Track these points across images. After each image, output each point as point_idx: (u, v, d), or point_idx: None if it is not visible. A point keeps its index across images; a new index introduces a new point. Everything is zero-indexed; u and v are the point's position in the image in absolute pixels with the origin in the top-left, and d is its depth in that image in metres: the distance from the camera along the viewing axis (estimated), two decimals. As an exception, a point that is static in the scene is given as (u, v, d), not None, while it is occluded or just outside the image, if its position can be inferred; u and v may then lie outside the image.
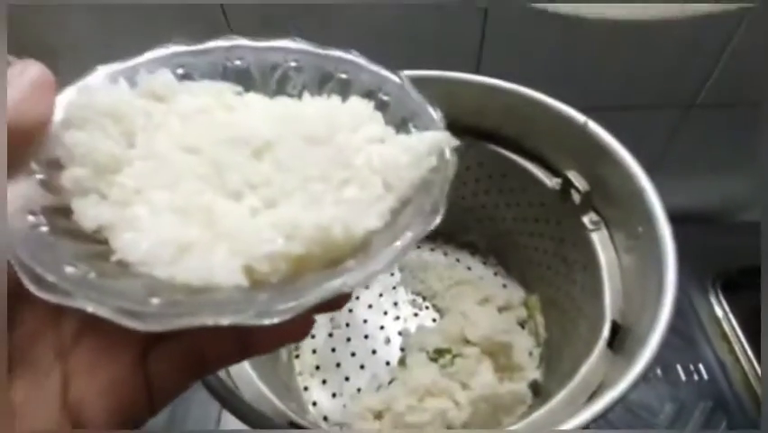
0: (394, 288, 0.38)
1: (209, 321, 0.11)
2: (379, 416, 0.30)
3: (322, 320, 0.37)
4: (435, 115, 0.16)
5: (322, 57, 0.17)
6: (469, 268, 0.39)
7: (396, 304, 0.37)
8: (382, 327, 0.36)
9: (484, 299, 0.35)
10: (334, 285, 0.12)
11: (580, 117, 0.28)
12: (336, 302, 0.13)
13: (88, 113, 0.13)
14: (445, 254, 0.40)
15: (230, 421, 0.49)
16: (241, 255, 0.12)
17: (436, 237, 0.41)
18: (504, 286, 0.38)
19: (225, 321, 0.11)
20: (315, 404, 0.33)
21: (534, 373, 0.32)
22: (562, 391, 0.23)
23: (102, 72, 0.15)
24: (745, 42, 0.39)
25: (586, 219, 0.29)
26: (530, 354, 0.33)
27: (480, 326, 0.32)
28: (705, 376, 0.45)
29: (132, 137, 0.14)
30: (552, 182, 0.31)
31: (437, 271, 0.38)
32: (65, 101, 0.13)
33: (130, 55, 0.16)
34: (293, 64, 0.17)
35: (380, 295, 0.38)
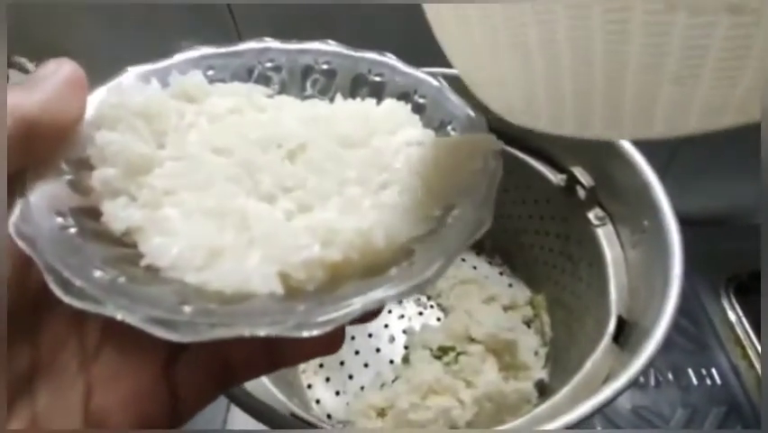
0: (399, 287, 0.38)
1: (245, 332, 0.10)
2: (382, 414, 0.30)
3: (326, 318, 0.37)
4: (476, 117, 0.15)
5: (355, 59, 0.16)
6: (474, 267, 0.39)
7: (400, 302, 0.37)
8: (386, 326, 0.36)
9: (489, 298, 0.35)
10: (379, 296, 0.11)
11: (584, 112, 0.28)
12: (372, 313, 0.12)
13: (121, 112, 0.13)
14: (450, 254, 0.40)
15: (237, 419, 0.49)
16: (276, 261, 0.12)
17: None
18: (510, 285, 0.37)
19: (262, 333, 0.10)
20: (318, 402, 0.33)
21: (540, 373, 0.32)
22: (566, 386, 0.22)
23: (133, 73, 0.15)
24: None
25: (591, 215, 0.29)
26: (536, 353, 0.33)
27: (484, 324, 0.32)
28: (718, 381, 0.44)
29: (163, 137, 0.13)
30: (557, 178, 0.31)
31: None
32: (95, 101, 0.13)
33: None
34: (325, 66, 0.16)
35: (385, 294, 0.38)
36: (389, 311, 0.37)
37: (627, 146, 0.27)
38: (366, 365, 0.34)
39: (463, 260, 0.39)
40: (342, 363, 0.34)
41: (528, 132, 0.33)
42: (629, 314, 0.25)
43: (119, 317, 0.10)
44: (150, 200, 0.12)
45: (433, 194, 0.13)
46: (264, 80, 0.16)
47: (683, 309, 0.52)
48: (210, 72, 0.15)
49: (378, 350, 0.35)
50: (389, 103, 0.15)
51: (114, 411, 0.12)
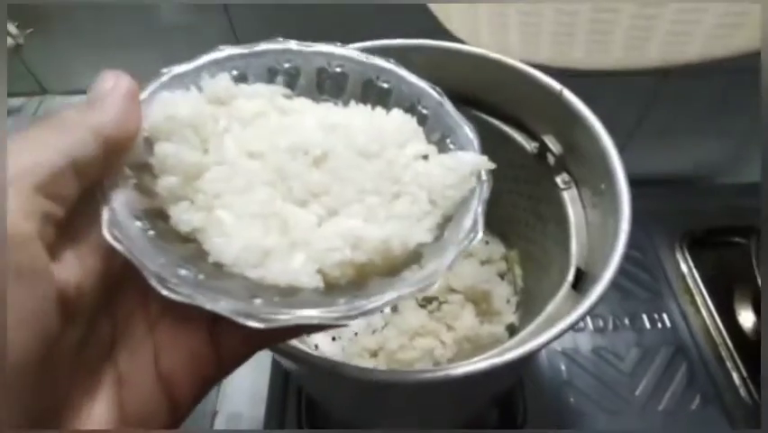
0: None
1: (313, 321, 0.12)
2: (374, 354, 0.34)
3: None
4: (471, 134, 0.17)
5: (364, 65, 0.17)
6: (455, 226, 0.43)
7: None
8: (376, 280, 0.40)
9: (468, 254, 0.39)
10: (398, 294, 0.13)
11: (556, 86, 0.31)
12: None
13: (174, 125, 0.14)
14: (434, 214, 0.43)
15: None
16: (315, 261, 0.14)
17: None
18: (486, 243, 0.41)
19: (324, 321, 0.13)
20: (317, 347, 0.37)
21: (511, 318, 0.36)
22: (531, 325, 0.27)
23: (167, 77, 0.15)
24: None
25: (559, 179, 0.32)
26: (508, 301, 0.37)
27: (463, 276, 0.36)
28: (668, 325, 0.49)
29: (206, 143, 0.15)
30: (530, 146, 0.34)
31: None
32: (147, 108, 0.14)
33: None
34: (338, 70, 0.17)
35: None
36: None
37: (592, 118, 0.30)
38: (358, 314, 0.38)
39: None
40: (336, 313, 0.38)
41: (507, 103, 0.36)
42: (587, 266, 0.29)
43: (208, 306, 0.12)
44: (204, 204, 0.14)
45: (436, 206, 0.16)
46: (282, 80, 0.17)
47: (641, 262, 0.58)
48: (234, 72, 0.16)
49: (368, 301, 0.39)
50: (399, 116, 0.17)
51: (177, 370, 0.14)
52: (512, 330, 0.35)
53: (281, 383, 0.45)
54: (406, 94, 0.18)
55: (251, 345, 0.15)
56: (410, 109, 0.17)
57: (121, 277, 0.14)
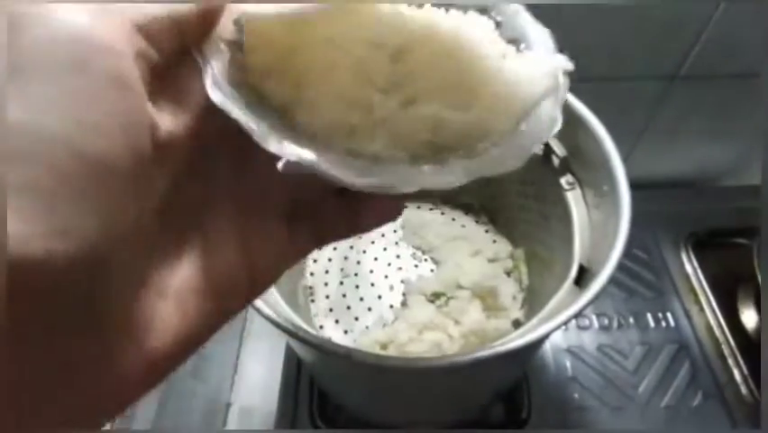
0: (396, 243, 0.44)
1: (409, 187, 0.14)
2: (384, 347, 0.36)
3: (333, 270, 0.42)
4: (547, 38, 0.17)
5: None
6: (463, 226, 0.44)
7: (398, 257, 0.43)
8: (387, 276, 0.41)
9: (476, 252, 0.41)
10: (477, 166, 0.14)
11: (560, 91, 0.32)
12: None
13: (268, 8, 0.14)
14: (443, 214, 0.45)
15: (247, 365, 0.55)
16: (398, 141, 0.14)
17: (435, 199, 0.46)
18: (494, 241, 0.43)
19: (415, 187, 0.14)
20: (330, 339, 0.38)
21: (517, 313, 0.37)
22: (534, 318, 0.28)
23: None
24: (728, 14, 0.42)
25: (563, 181, 0.34)
26: (513, 297, 0.38)
27: (471, 273, 0.38)
28: (672, 323, 0.50)
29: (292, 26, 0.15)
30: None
31: (435, 228, 0.43)
32: None
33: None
34: None
35: (384, 249, 0.43)
36: (389, 264, 0.42)
37: (595, 122, 0.31)
38: (369, 309, 0.40)
39: (453, 219, 0.45)
40: (348, 308, 0.40)
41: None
42: (589, 263, 0.30)
43: (324, 168, 0.13)
44: (294, 80, 0.14)
45: (517, 98, 0.16)
46: None
47: (646, 263, 0.59)
48: None
49: (379, 297, 0.40)
50: (475, 16, 0.17)
51: (257, 250, 0.14)
52: (517, 325, 0.37)
53: (294, 376, 0.47)
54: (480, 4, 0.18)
55: (319, 240, 0.16)
56: (483, 12, 0.17)
57: (216, 145, 0.13)
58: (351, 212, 0.15)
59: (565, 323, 0.23)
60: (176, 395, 0.40)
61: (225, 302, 0.13)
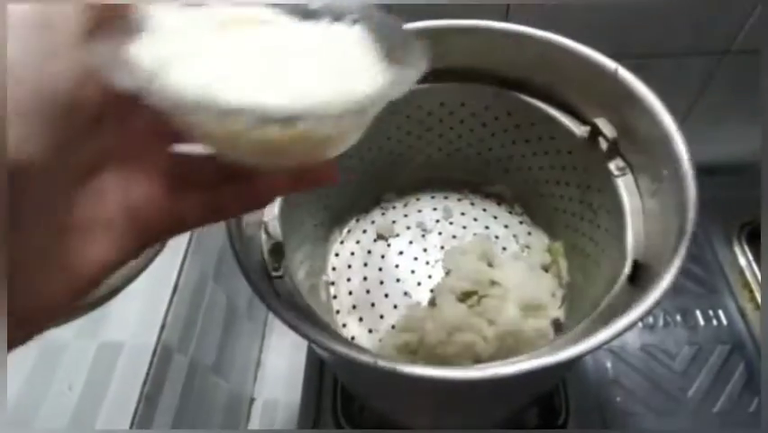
0: (423, 236, 0.41)
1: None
2: (412, 350, 0.33)
3: (356, 264, 0.39)
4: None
5: None
6: (495, 217, 0.41)
7: (425, 250, 0.40)
8: (413, 272, 0.39)
9: (505, 246, 0.37)
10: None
11: (611, 64, 0.29)
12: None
13: None
14: (472, 204, 0.42)
15: (270, 359, 0.53)
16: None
17: (463, 188, 0.43)
18: (529, 233, 0.39)
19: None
20: (353, 338, 0.36)
21: (557, 312, 0.34)
22: (584, 321, 0.25)
23: None
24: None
25: (612, 166, 0.30)
26: (553, 294, 0.35)
27: (505, 269, 0.34)
28: (724, 322, 0.46)
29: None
30: (580, 130, 0.32)
31: (464, 220, 0.40)
32: None
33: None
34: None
35: (410, 243, 0.40)
36: (415, 258, 0.39)
37: (651, 98, 0.27)
38: (395, 307, 0.37)
39: (484, 210, 0.41)
40: (372, 305, 0.37)
41: (555, 85, 0.34)
42: (644, 258, 0.27)
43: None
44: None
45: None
46: None
47: (694, 256, 0.54)
48: None
49: (405, 294, 0.37)
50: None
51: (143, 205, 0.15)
52: (557, 326, 0.33)
53: (317, 370, 0.45)
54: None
55: (213, 211, 0.16)
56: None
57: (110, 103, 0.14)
58: (243, 183, 0.16)
59: (630, 327, 0.20)
60: (197, 391, 0.38)
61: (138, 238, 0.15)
